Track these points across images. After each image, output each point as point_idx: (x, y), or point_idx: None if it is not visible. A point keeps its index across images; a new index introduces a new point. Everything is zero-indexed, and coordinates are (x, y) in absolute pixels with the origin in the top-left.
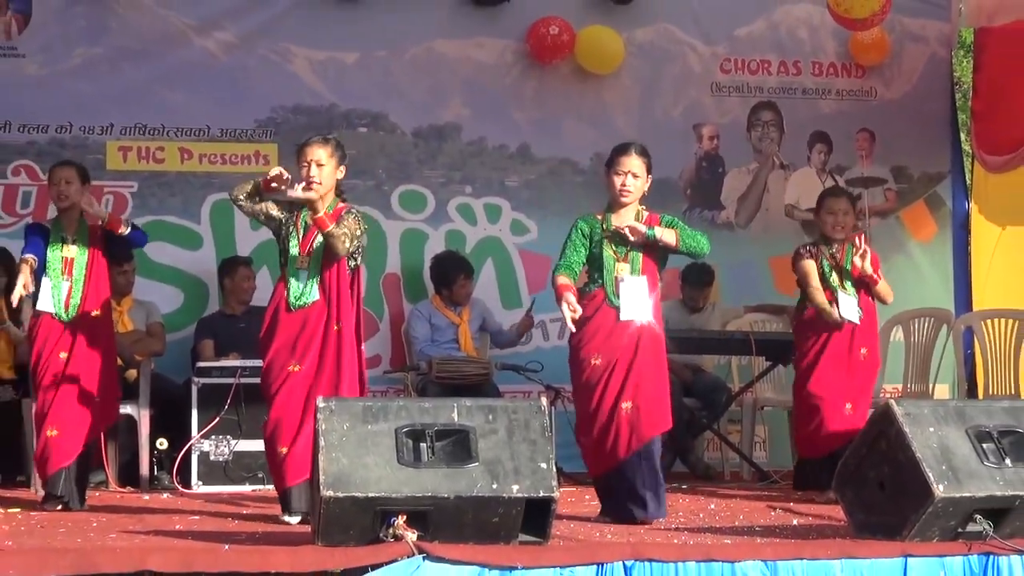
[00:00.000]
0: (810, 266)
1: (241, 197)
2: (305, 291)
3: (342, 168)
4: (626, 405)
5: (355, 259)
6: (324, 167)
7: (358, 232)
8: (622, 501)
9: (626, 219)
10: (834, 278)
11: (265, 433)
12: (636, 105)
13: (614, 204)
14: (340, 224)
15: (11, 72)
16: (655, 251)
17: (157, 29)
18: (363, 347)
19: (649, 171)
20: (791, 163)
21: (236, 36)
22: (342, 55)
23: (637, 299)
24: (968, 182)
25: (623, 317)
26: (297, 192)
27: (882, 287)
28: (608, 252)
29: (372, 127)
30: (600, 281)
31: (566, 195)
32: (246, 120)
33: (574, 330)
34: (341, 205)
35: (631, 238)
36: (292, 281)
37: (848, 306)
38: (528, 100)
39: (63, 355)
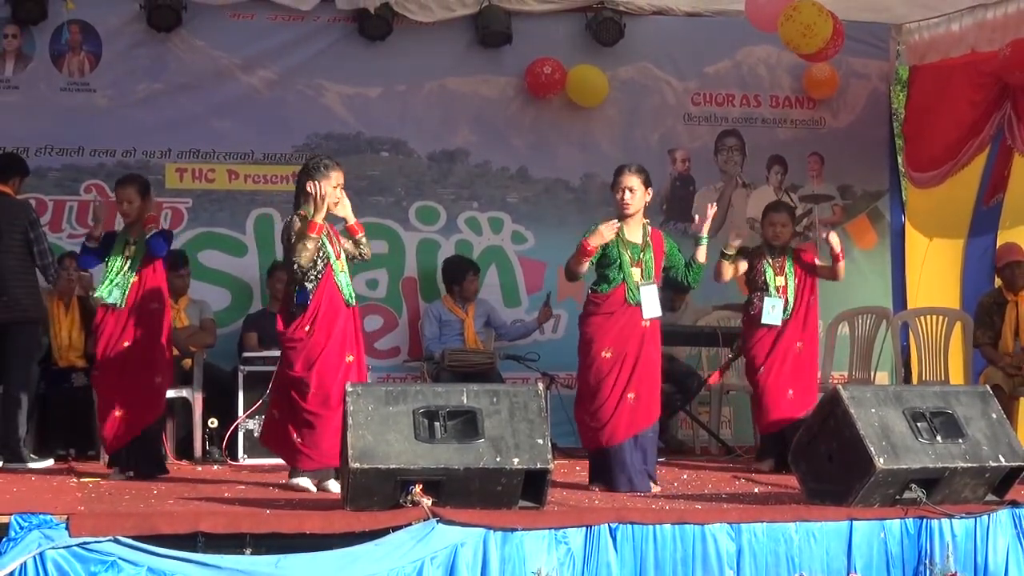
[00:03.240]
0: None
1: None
2: (353, 290)
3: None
4: (631, 396)
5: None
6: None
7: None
8: (612, 474)
9: (634, 229)
10: (775, 281)
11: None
12: (619, 132)
13: (621, 216)
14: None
15: (84, 104)
16: (661, 261)
17: (209, 67)
18: None
19: (647, 185)
20: (752, 182)
21: (276, 74)
22: (367, 90)
23: (653, 302)
24: (904, 199)
25: (645, 316)
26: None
27: (843, 265)
28: (625, 256)
29: (393, 151)
30: (617, 281)
31: (559, 210)
32: (285, 146)
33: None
34: None
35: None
36: (341, 282)
37: (771, 310)
38: (526, 129)
39: (126, 343)
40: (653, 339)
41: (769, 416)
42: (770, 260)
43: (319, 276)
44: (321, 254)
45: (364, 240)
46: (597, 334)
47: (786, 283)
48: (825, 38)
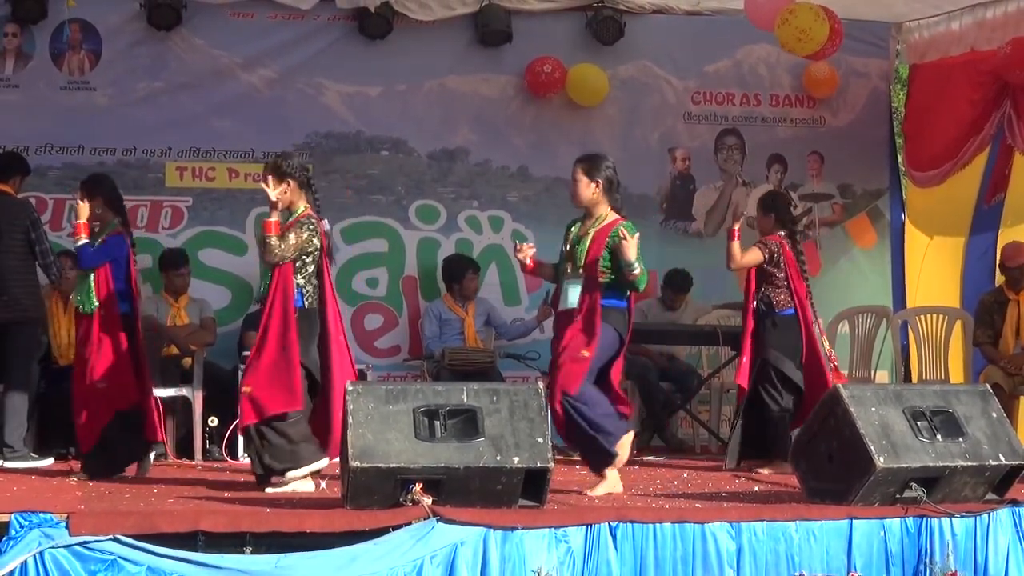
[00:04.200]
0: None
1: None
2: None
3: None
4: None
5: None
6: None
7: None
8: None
9: (592, 221)
10: None
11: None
12: (619, 131)
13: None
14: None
15: (84, 103)
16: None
17: (209, 66)
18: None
19: (590, 175)
20: (752, 181)
21: (276, 72)
22: (367, 89)
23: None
24: (904, 198)
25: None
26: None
27: (735, 246)
28: (563, 251)
29: (393, 150)
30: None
31: (559, 209)
32: (285, 144)
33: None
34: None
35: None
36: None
37: None
38: (526, 128)
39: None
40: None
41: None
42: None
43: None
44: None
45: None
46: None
47: None
48: (820, 41)
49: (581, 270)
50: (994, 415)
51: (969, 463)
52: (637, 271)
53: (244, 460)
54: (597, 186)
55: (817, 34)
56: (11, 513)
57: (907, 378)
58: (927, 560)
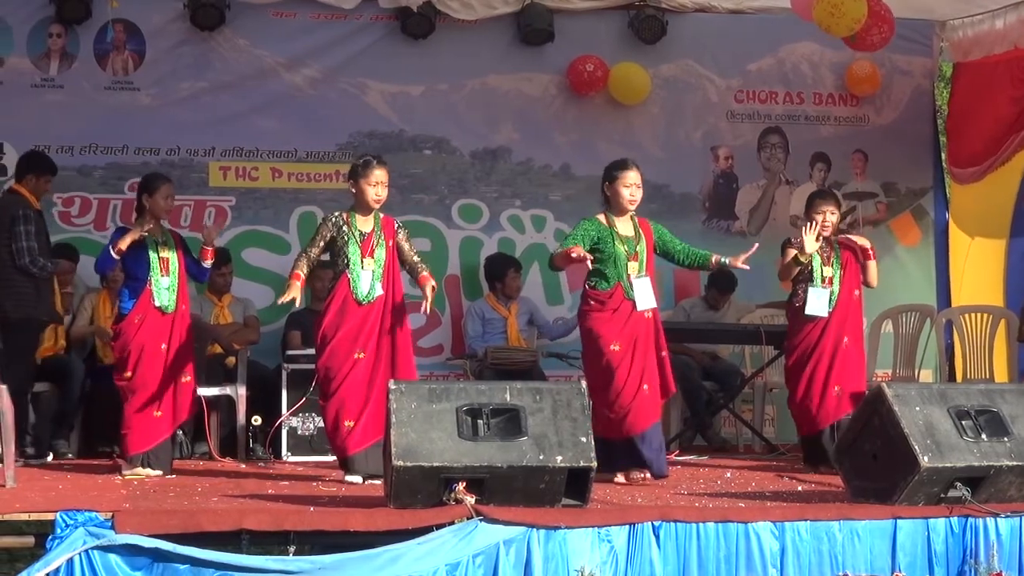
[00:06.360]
0: (789, 252)
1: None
2: (372, 289)
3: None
4: (646, 387)
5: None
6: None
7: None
8: (624, 462)
9: (625, 222)
10: (823, 272)
11: (330, 410)
12: (662, 130)
13: (617, 211)
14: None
15: (128, 103)
16: (655, 251)
17: (252, 66)
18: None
19: (643, 182)
20: (795, 179)
21: (319, 72)
22: (410, 88)
23: (647, 293)
24: (947, 196)
25: (639, 308)
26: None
27: (873, 267)
28: (620, 251)
29: (435, 150)
30: (615, 278)
31: (601, 208)
32: (328, 144)
33: (590, 259)
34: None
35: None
36: (358, 279)
37: (815, 301)
38: (568, 126)
39: (163, 346)
40: (653, 332)
41: (812, 415)
42: (818, 249)
43: (337, 275)
44: (342, 254)
45: None
46: (603, 329)
47: (832, 273)
48: (856, 19)
49: (645, 270)
50: None
51: (1014, 462)
52: None
53: (287, 458)
54: None
55: (851, 10)
56: (56, 511)
57: (951, 377)
58: (972, 560)
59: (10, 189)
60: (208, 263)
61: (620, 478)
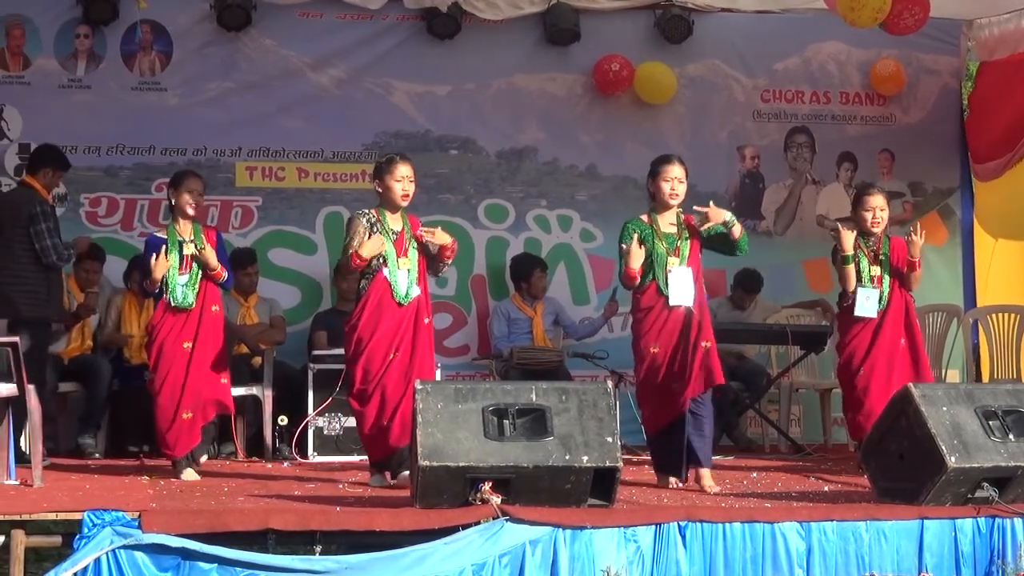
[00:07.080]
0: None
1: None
2: (410, 288)
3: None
4: (677, 386)
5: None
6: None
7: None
8: (676, 454)
9: (668, 219)
10: (870, 271)
11: (369, 412)
12: (688, 130)
13: (660, 207)
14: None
15: (155, 103)
16: (701, 245)
17: (279, 66)
18: None
19: (687, 177)
20: (822, 179)
21: (345, 72)
22: (436, 88)
23: (683, 286)
24: (974, 196)
25: (671, 303)
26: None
27: (916, 277)
28: (660, 249)
29: (461, 150)
30: (652, 275)
31: (628, 207)
32: (354, 144)
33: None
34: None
35: (710, 220)
36: (396, 280)
37: (864, 301)
38: (594, 126)
39: (186, 344)
40: (696, 325)
41: (872, 417)
42: (864, 248)
43: (373, 273)
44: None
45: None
46: (644, 330)
47: (881, 272)
48: (878, 8)
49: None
50: None
51: None
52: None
53: (313, 458)
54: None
55: (871, 1)
56: (84, 511)
57: (978, 377)
58: (999, 561)
59: (23, 182)
60: (222, 278)
61: (673, 482)
